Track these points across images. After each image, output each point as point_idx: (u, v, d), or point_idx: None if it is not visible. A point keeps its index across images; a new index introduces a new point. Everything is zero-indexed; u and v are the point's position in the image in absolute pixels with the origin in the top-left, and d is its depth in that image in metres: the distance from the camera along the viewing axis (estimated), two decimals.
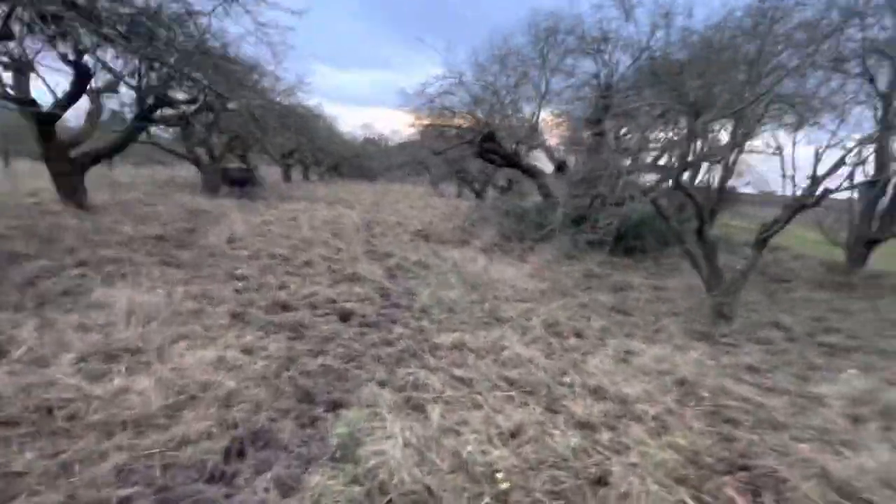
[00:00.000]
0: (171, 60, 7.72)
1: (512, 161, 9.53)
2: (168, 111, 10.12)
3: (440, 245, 9.40)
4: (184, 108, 10.00)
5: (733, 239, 10.62)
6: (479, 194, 22.10)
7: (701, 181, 8.34)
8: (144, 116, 9.44)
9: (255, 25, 6.78)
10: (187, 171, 21.54)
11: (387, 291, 5.71)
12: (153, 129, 17.11)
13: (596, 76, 8.35)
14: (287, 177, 27.63)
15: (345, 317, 4.55)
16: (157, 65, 8.42)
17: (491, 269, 6.82)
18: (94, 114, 9.98)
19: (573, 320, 4.86)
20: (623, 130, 8.95)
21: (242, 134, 17.54)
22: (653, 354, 4.11)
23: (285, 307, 4.64)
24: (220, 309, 4.29)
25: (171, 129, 14.82)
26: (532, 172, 9.99)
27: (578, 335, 4.57)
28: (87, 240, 6.72)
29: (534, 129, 10.55)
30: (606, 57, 8.19)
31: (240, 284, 5.36)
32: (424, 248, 8.86)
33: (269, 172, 27.33)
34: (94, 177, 18.18)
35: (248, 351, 3.49)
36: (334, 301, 4.98)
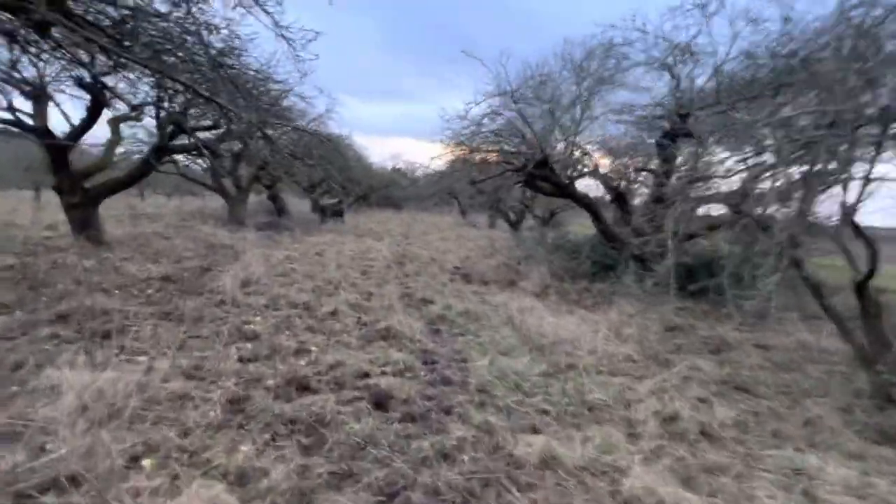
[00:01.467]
0: (190, 81, 6.97)
1: (566, 191, 8.34)
2: (187, 140, 9.39)
3: (484, 287, 8.18)
4: (203, 135, 9.27)
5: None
6: (514, 225, 20.92)
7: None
8: (162, 147, 8.72)
9: (276, 29, 5.83)
10: (216, 202, 21.17)
11: (431, 355, 4.49)
12: (181, 159, 16.80)
13: (672, 92, 7.15)
14: (316, 207, 27.09)
15: (380, 403, 3.34)
16: (177, 88, 7.73)
17: (553, 321, 5.54)
18: (112, 143, 9.35)
19: (693, 409, 3.51)
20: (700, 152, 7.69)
21: (271, 164, 17.03)
22: (838, 477, 2.74)
23: (302, 386, 3.47)
24: (215, 394, 3.15)
25: (201, 159, 14.31)
26: (586, 203, 8.76)
27: (708, 436, 3.23)
28: (81, 283, 5.79)
29: (585, 154, 9.38)
30: (684, 69, 7.01)
31: (248, 347, 4.24)
32: (466, 290, 7.66)
33: (295, 203, 26.90)
34: (121, 207, 17.90)
35: (239, 480, 2.31)
36: (366, 375, 3.79)
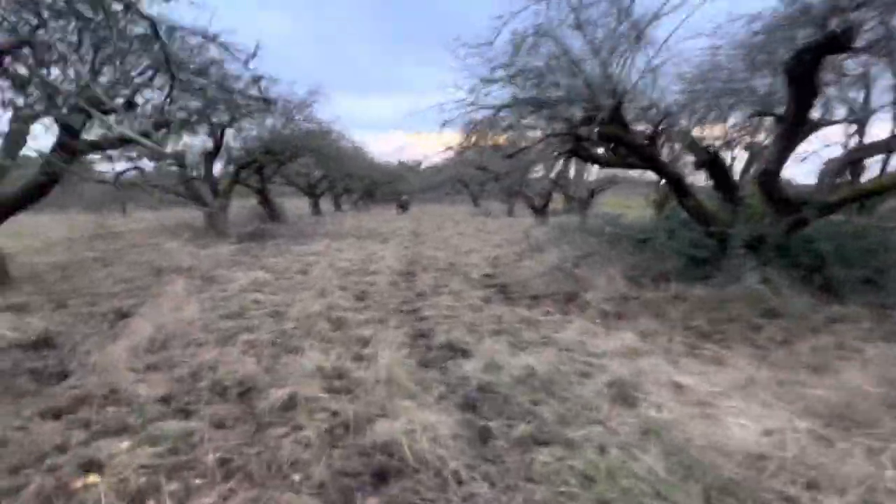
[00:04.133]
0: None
1: (645, 154, 5.61)
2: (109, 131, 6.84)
3: (534, 306, 5.54)
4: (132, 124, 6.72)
5: None
6: (539, 211, 18.17)
7: None
8: (64, 144, 6.19)
9: None
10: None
11: None
12: (149, 166, 14.41)
13: None
14: (316, 208, 24.66)
15: None
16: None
17: (721, 405, 2.91)
18: (10, 146, 6.87)
19: None
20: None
21: (256, 160, 14.52)
22: None
23: None
24: None
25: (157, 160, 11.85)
26: (668, 172, 6.04)
27: None
28: None
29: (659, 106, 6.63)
30: None
31: None
32: (511, 317, 5.03)
33: (296, 205, 24.49)
34: (85, 224, 15.59)
35: None
36: None
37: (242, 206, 19.87)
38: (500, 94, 5.45)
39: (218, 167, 15.23)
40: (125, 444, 2.51)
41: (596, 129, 4.94)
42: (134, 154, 12.41)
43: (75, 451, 2.45)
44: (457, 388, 3.28)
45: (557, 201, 21.80)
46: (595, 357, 3.76)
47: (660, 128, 5.56)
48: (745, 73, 6.68)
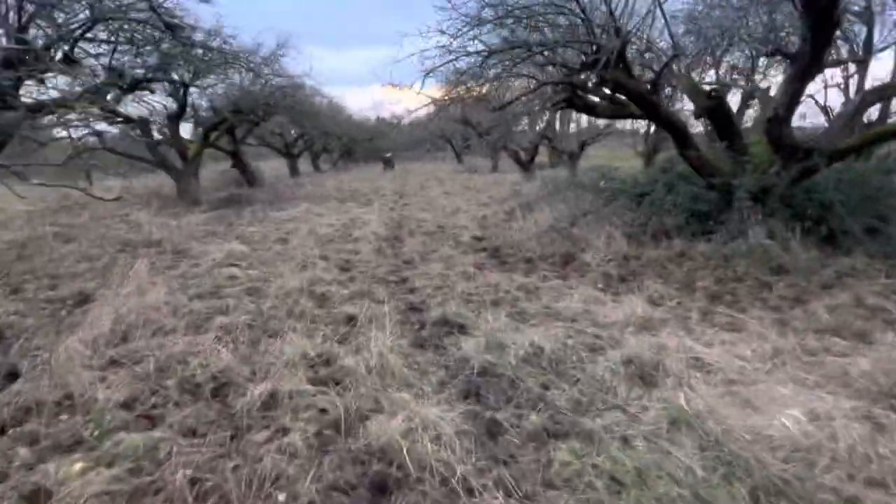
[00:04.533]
0: None
1: (646, 102, 5.16)
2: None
3: (530, 271, 5.23)
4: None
5: None
6: (525, 166, 17.66)
7: None
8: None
9: None
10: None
11: None
12: (110, 131, 13.45)
13: None
14: (294, 170, 23.68)
15: None
16: None
17: (761, 389, 2.65)
18: None
19: None
20: None
21: (226, 120, 13.60)
22: None
23: None
24: None
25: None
26: (670, 122, 5.62)
27: None
28: None
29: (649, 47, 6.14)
30: None
31: None
32: (509, 284, 4.71)
33: (273, 167, 23.48)
34: (54, 195, 14.66)
35: None
36: None
37: (217, 170, 18.93)
38: (488, 39, 4.88)
39: (188, 129, 14.31)
40: (78, 466, 2.15)
41: (597, 75, 4.45)
42: (89, 118, 11.47)
43: (18, 478, 2.09)
44: (457, 373, 2.97)
45: (543, 155, 21.24)
46: (603, 328, 3.47)
47: (661, 74, 5.07)
48: (742, 9, 6.18)
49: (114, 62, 6.50)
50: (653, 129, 14.78)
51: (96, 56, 6.37)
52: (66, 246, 7.33)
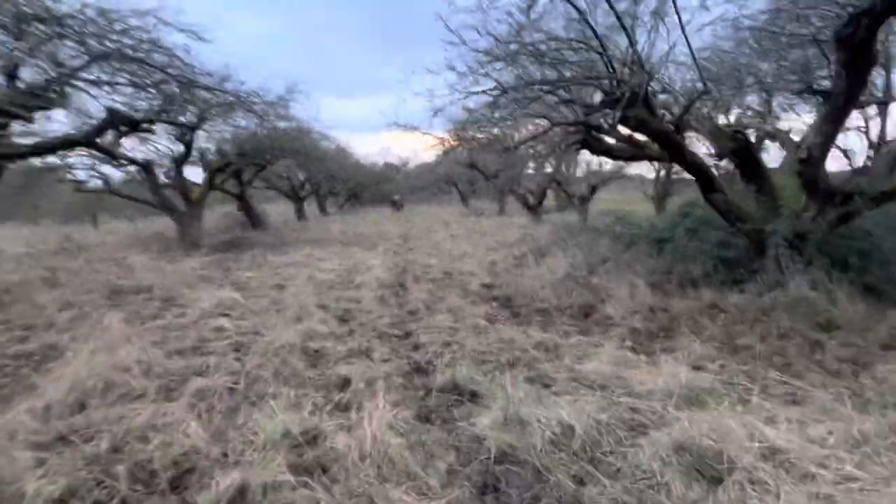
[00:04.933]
0: None
1: (670, 142, 4.82)
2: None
3: (547, 325, 4.73)
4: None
5: None
6: (533, 209, 17.40)
7: None
8: None
9: None
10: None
11: None
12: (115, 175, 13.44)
13: None
14: (300, 213, 23.59)
15: None
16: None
17: None
18: None
19: None
20: None
21: (231, 163, 13.54)
22: None
23: None
24: None
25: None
26: (695, 164, 5.27)
27: None
28: None
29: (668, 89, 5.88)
30: None
31: None
32: (525, 341, 4.20)
33: (280, 210, 23.42)
34: (50, 237, 14.48)
35: None
36: None
37: (223, 213, 18.84)
38: (500, 76, 4.63)
39: (197, 173, 14.27)
40: None
41: (618, 114, 4.13)
42: (93, 162, 11.43)
43: None
44: (470, 458, 2.45)
45: (549, 198, 21.06)
46: (641, 399, 2.94)
47: (687, 112, 4.76)
48: (766, 50, 5.95)
49: (114, 103, 6.34)
50: (662, 172, 14.56)
51: (96, 97, 6.23)
52: (52, 292, 6.92)
